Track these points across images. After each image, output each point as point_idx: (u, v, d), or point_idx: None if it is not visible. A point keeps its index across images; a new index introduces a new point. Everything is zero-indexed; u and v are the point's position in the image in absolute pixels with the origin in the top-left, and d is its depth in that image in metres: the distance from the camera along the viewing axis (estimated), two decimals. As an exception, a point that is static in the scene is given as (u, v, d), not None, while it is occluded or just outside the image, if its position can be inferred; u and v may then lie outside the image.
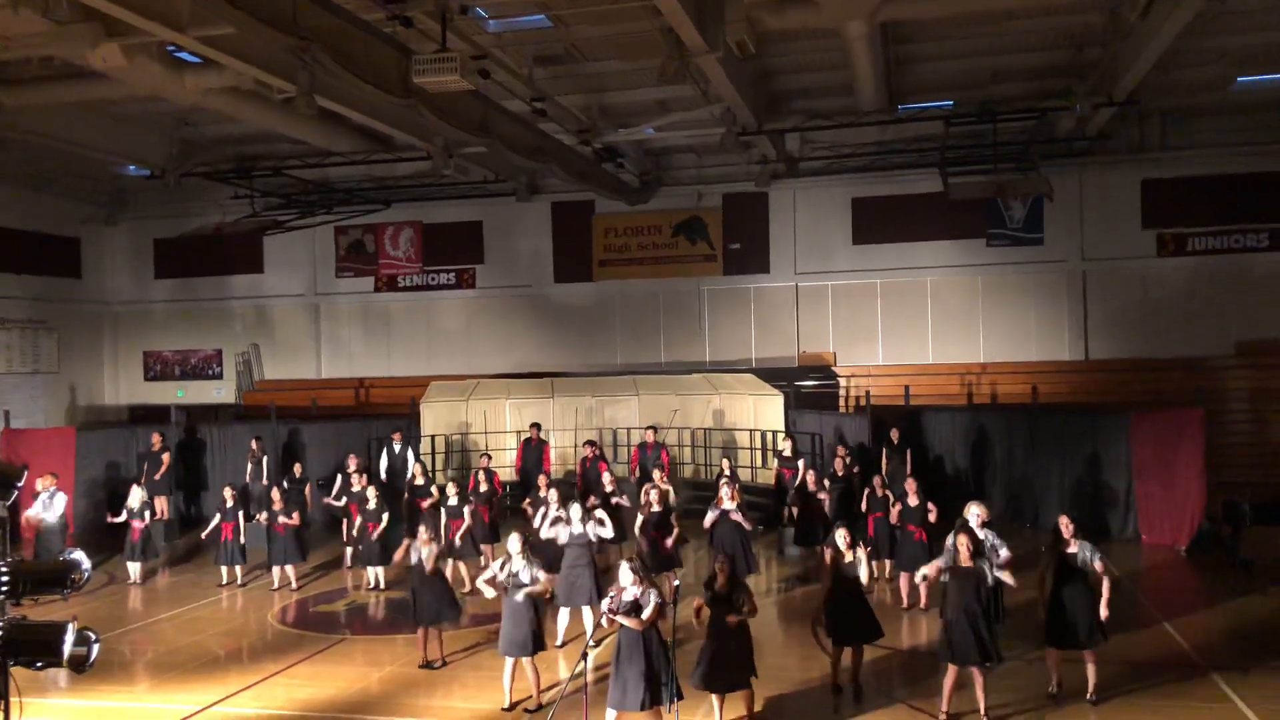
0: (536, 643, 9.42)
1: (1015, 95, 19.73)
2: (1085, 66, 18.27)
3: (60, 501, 14.92)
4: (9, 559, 7.10)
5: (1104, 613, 9.13)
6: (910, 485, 12.83)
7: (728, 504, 12.88)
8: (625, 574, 8.31)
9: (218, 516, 14.98)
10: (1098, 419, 17.56)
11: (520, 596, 9.34)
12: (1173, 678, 9.92)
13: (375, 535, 14.16)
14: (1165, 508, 16.13)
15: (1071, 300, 23.27)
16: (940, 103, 20.33)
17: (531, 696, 9.41)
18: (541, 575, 9.70)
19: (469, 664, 10.93)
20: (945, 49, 17.67)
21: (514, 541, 9.69)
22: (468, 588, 13.52)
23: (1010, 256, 23.50)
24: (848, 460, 15.54)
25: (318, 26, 11.63)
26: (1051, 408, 19.03)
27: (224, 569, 15.05)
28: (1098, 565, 9.23)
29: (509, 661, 9.43)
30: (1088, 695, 9.20)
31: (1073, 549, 9.28)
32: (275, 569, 14.67)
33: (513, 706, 9.40)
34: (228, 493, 15.10)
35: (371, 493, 14.46)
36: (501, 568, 9.58)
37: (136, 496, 15.27)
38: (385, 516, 14.19)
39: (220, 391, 27.49)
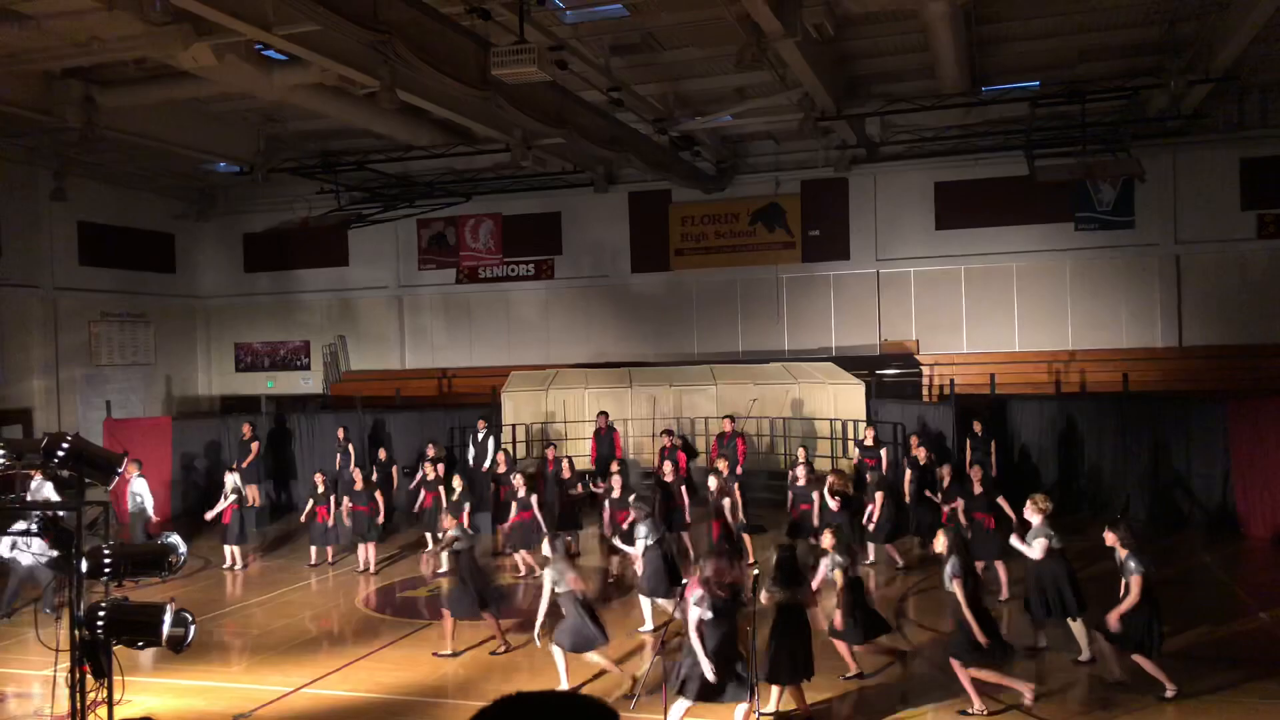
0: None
1: (1104, 74, 19.12)
2: (1179, 42, 17.62)
3: (142, 488, 15.40)
4: (111, 543, 7.39)
5: (1111, 621, 8.86)
6: (975, 473, 12.65)
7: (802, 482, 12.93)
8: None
9: (310, 501, 15.44)
10: (1193, 407, 16.98)
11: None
12: (1273, 674, 9.56)
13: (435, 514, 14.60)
14: (1265, 498, 15.54)
15: (1164, 285, 22.53)
16: (1025, 83, 19.80)
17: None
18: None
19: (547, 651, 11.02)
20: (1030, 28, 17.20)
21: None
22: (536, 572, 14.00)
23: (1099, 240, 22.84)
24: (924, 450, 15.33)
25: (398, 20, 11.81)
26: (1143, 396, 18.47)
27: (314, 549, 15.52)
28: (1132, 577, 8.94)
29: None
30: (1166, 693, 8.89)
31: (1121, 556, 9.06)
32: (360, 548, 15.23)
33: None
34: (318, 478, 15.56)
35: (456, 481, 14.75)
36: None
37: (231, 482, 15.78)
38: (467, 505, 14.44)
39: (308, 382, 28.18)
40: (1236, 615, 11.60)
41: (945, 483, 13.43)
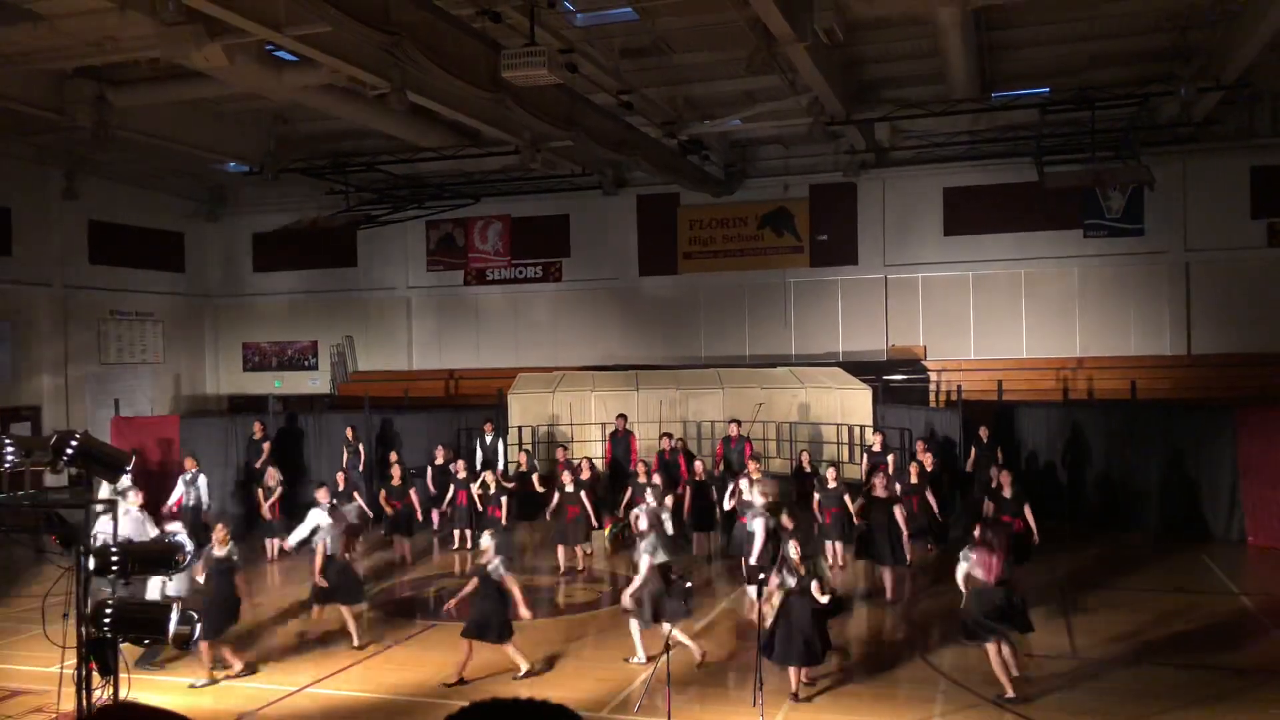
0: None
1: (1115, 81, 19.08)
2: (1190, 49, 17.58)
3: (203, 484, 15.86)
4: (118, 540, 7.42)
5: None
6: (1005, 478, 12.66)
7: (879, 491, 12.96)
8: (792, 551, 9.27)
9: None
10: (1201, 415, 16.92)
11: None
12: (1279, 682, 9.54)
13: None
14: (1273, 508, 15.48)
15: (1173, 292, 22.47)
16: (1036, 89, 19.77)
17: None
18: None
19: (552, 652, 11.03)
20: (1041, 34, 17.18)
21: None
22: (580, 567, 14.67)
23: (1108, 248, 22.77)
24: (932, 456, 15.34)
25: (409, 22, 11.83)
26: (1151, 404, 18.39)
27: None
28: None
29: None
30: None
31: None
32: (396, 543, 15.69)
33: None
34: (340, 477, 15.76)
35: (490, 477, 15.07)
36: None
37: (274, 478, 15.85)
38: (505, 500, 14.88)
39: (315, 382, 28.23)
40: (1243, 623, 11.56)
41: (993, 483, 13.51)
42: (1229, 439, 16.04)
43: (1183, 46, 17.54)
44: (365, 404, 20.63)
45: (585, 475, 15.22)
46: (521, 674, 10.01)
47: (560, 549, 14.80)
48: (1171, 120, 20.14)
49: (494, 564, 9.93)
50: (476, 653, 9.89)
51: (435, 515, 17.12)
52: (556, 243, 26.52)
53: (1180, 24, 16.62)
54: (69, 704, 7.32)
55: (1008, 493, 12.51)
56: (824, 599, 9.01)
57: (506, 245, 26.96)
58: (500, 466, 17.68)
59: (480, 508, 15.68)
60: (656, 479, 13.98)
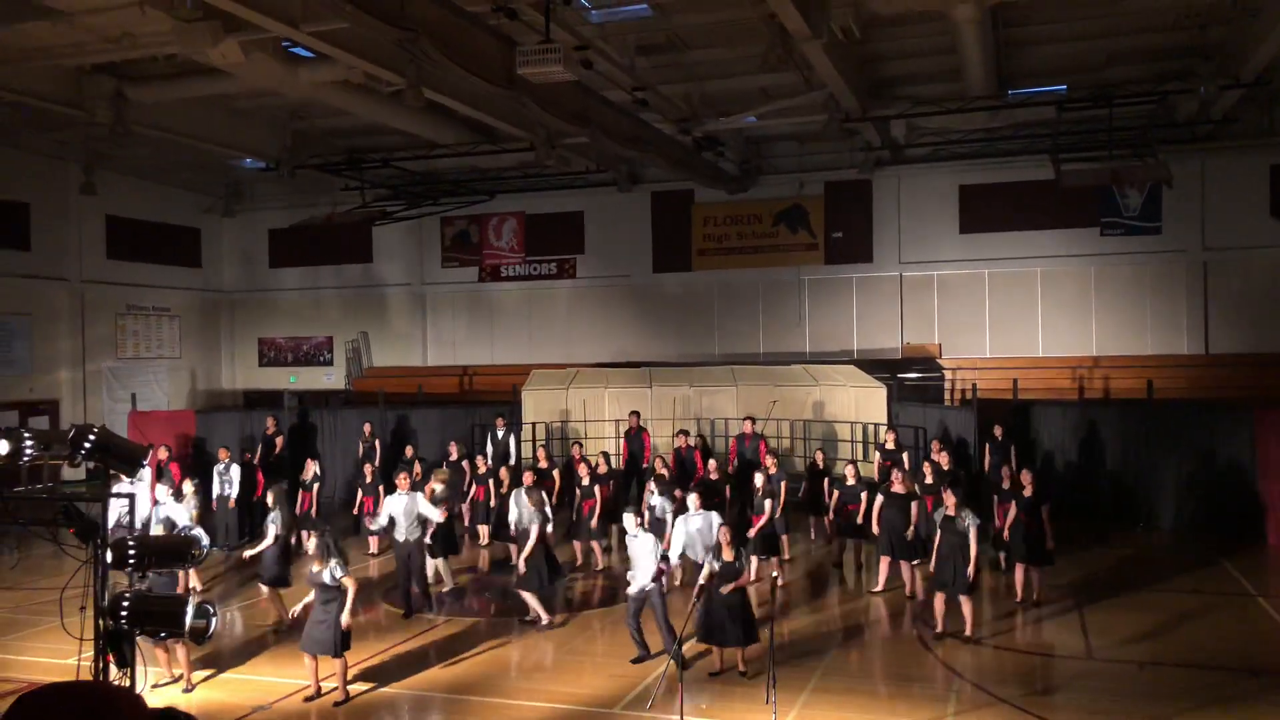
0: None
1: (1133, 78, 18.96)
2: (1209, 47, 17.46)
3: (235, 474, 16.02)
4: (135, 533, 7.46)
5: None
6: (1026, 477, 12.62)
7: (897, 487, 13.01)
8: (723, 536, 9.91)
9: (359, 492, 15.63)
10: (1219, 415, 16.81)
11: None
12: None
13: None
14: (1292, 509, 15.38)
15: (1191, 291, 22.33)
16: (1053, 87, 19.67)
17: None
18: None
19: (565, 649, 11.05)
20: (1058, 31, 17.08)
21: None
22: (600, 565, 14.69)
23: (1125, 246, 22.66)
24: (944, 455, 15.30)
25: (425, 19, 11.87)
26: (1168, 403, 18.28)
27: (371, 540, 15.78)
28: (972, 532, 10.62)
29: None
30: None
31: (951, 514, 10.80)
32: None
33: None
34: (367, 469, 15.87)
35: (503, 474, 15.33)
36: None
37: (311, 469, 15.91)
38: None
39: (330, 378, 28.34)
40: (1260, 624, 11.49)
41: (1005, 483, 13.50)
42: (1247, 439, 15.94)
43: (1201, 44, 17.42)
44: (380, 400, 20.70)
45: (602, 470, 15.28)
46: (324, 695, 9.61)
47: (575, 545, 14.88)
48: (1190, 118, 20.02)
49: (328, 568, 9.38)
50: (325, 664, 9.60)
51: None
52: (571, 239, 26.55)
53: (1199, 21, 16.50)
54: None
55: (1028, 492, 12.45)
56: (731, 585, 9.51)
57: (521, 242, 27.00)
58: (512, 462, 17.70)
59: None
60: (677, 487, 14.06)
